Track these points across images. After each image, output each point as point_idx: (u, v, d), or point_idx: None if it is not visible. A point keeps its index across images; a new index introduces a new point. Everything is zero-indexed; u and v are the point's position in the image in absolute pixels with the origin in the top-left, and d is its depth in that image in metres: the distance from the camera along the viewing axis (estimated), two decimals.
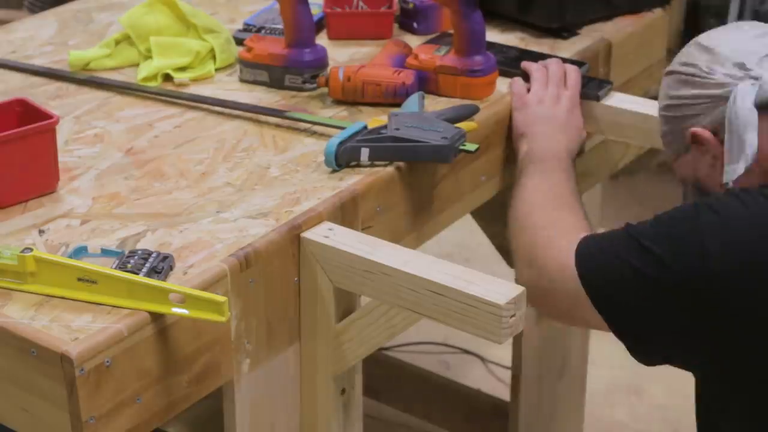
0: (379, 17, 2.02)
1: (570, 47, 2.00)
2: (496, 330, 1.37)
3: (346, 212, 1.53)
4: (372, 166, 1.60)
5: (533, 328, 2.11)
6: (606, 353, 2.91)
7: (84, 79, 1.87)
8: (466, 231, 2.49)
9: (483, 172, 1.78)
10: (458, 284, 1.38)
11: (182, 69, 1.88)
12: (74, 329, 1.25)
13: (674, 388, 2.85)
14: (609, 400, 2.82)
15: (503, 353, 2.57)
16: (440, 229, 1.74)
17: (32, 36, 2.08)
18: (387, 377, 2.60)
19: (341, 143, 1.59)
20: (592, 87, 1.87)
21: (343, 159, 1.59)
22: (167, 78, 1.87)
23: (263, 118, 1.74)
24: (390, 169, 1.60)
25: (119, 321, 1.27)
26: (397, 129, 1.61)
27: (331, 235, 1.47)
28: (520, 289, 1.37)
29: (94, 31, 2.09)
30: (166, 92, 1.82)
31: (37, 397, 1.27)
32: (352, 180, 1.56)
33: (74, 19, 2.15)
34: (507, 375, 2.45)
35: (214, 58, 1.92)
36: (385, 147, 1.60)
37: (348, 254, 1.45)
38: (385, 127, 1.62)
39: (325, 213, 1.50)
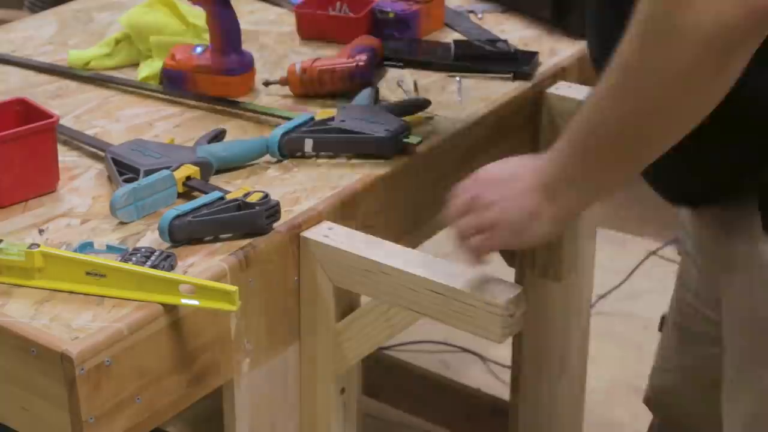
0: (346, 21, 2.03)
1: (570, 46, 2.00)
2: (495, 329, 1.37)
3: (345, 211, 1.53)
4: (317, 157, 1.62)
5: (533, 328, 2.11)
6: (606, 353, 2.93)
7: (87, 75, 1.88)
8: None
9: None
10: (458, 284, 1.38)
11: None
12: (74, 328, 1.25)
13: None
14: (609, 399, 2.81)
15: (503, 352, 2.57)
16: (440, 228, 1.74)
17: (32, 36, 2.08)
18: (387, 376, 2.60)
19: (285, 133, 1.60)
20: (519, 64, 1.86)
21: (287, 149, 1.60)
22: None
23: (263, 118, 1.74)
24: (389, 168, 1.60)
25: (120, 320, 1.27)
26: (343, 121, 1.63)
27: (330, 234, 1.47)
28: (519, 289, 1.37)
29: (94, 30, 2.09)
30: (167, 91, 1.82)
31: (37, 397, 1.27)
32: (352, 179, 1.56)
33: (74, 19, 2.15)
34: (507, 374, 2.44)
35: None
36: (328, 138, 1.62)
37: (348, 254, 1.45)
38: (332, 118, 1.63)
39: (325, 212, 1.50)
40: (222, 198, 1.44)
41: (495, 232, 1.34)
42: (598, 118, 1.27)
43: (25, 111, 1.55)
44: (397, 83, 1.86)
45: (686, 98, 1.20)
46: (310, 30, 2.04)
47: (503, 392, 2.57)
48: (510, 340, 2.02)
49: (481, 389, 2.70)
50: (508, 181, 1.35)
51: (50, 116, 1.51)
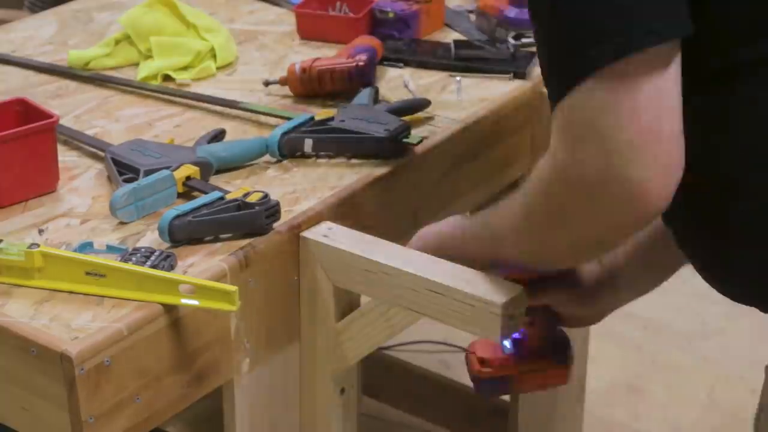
0: (345, 21, 2.03)
1: None
2: (495, 330, 1.37)
3: (345, 211, 1.53)
4: (317, 156, 1.61)
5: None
6: (606, 353, 2.93)
7: (87, 75, 1.87)
8: None
9: (482, 171, 1.78)
10: (458, 284, 1.38)
11: (183, 69, 1.89)
12: (74, 328, 1.25)
13: (674, 387, 2.85)
14: (609, 399, 2.81)
15: None
16: None
17: (32, 36, 2.08)
18: (387, 377, 2.60)
19: (285, 133, 1.60)
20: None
21: (286, 149, 1.60)
22: (167, 78, 1.87)
23: (264, 118, 1.74)
24: (389, 168, 1.60)
25: (119, 320, 1.27)
26: (343, 121, 1.63)
27: (330, 234, 1.47)
28: (519, 289, 1.37)
29: (94, 30, 2.09)
30: (167, 90, 1.82)
31: (37, 397, 1.27)
32: (352, 179, 1.56)
33: (74, 19, 2.15)
34: None
35: (214, 57, 1.92)
36: (328, 138, 1.61)
37: (348, 254, 1.45)
38: (332, 118, 1.63)
39: (325, 212, 1.50)
40: (222, 198, 1.44)
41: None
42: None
43: (24, 111, 1.55)
44: (404, 84, 1.86)
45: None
46: (309, 30, 2.04)
47: None
48: None
49: None
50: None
51: (50, 116, 1.51)
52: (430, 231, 1.47)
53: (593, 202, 1.14)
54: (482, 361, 1.50)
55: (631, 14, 1.09)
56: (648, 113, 1.10)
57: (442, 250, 1.42)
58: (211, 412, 1.60)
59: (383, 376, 2.58)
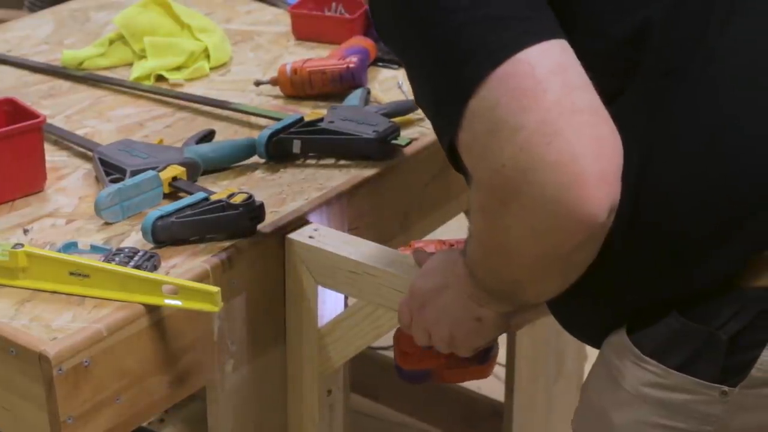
0: (340, 22, 2.03)
1: None
2: None
3: (332, 213, 1.52)
4: (305, 157, 1.61)
5: (528, 327, 2.10)
6: None
7: (81, 75, 1.87)
8: (463, 231, 2.48)
9: None
10: None
11: (176, 69, 1.89)
12: (54, 329, 1.25)
13: None
14: None
15: (502, 352, 2.55)
16: (430, 230, 1.74)
17: (28, 35, 2.08)
18: (385, 377, 2.59)
19: (273, 134, 1.59)
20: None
21: (274, 150, 1.60)
22: (160, 78, 1.87)
23: (254, 119, 1.74)
24: (377, 170, 1.59)
25: (99, 321, 1.27)
26: (332, 122, 1.62)
27: (316, 235, 1.47)
28: None
29: (90, 30, 2.09)
30: (159, 90, 1.82)
31: (17, 396, 1.27)
32: (339, 181, 1.56)
33: (71, 18, 2.15)
34: None
35: (208, 57, 1.92)
36: (317, 139, 1.61)
37: (333, 255, 1.45)
38: (321, 119, 1.63)
39: (311, 214, 1.50)
40: (206, 199, 1.44)
41: (458, 342, 1.30)
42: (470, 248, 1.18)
43: (13, 111, 1.55)
44: (398, 85, 1.85)
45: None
46: (305, 30, 2.04)
47: (502, 393, 2.56)
48: (506, 340, 2.01)
49: (479, 390, 2.68)
50: (439, 292, 1.27)
51: (37, 116, 1.51)
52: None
53: (528, 206, 1.01)
54: (404, 354, 1.49)
55: (505, 21, 1.03)
56: (553, 88, 0.99)
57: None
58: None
59: (382, 377, 2.57)
